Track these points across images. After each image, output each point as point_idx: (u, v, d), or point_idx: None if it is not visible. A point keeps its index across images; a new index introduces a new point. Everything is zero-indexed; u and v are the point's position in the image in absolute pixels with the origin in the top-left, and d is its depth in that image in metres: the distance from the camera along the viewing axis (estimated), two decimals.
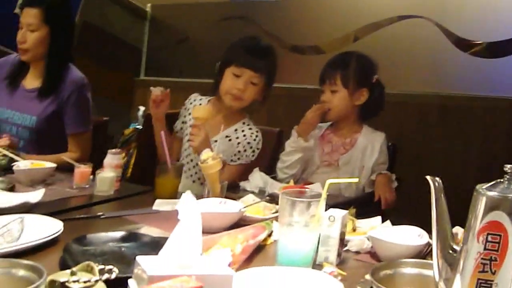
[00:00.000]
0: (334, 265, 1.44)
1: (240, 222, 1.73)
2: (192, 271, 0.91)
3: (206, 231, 1.63)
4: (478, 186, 1.01)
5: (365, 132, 2.62)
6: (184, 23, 4.38)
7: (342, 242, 1.52)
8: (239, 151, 2.53)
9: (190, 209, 1.06)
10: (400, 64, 3.59)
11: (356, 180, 1.50)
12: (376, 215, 1.83)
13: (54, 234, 1.45)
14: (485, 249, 0.99)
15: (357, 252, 1.61)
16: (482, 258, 0.99)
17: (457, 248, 1.05)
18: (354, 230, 1.74)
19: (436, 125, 3.46)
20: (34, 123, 2.64)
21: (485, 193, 1.00)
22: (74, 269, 1.06)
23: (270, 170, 2.78)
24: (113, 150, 2.11)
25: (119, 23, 4.31)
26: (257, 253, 1.54)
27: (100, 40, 4.21)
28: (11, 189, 1.98)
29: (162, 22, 4.51)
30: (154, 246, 1.38)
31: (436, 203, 1.07)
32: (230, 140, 2.54)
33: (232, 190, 2.21)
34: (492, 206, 0.99)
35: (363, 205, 2.42)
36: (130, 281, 1.00)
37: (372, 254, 1.59)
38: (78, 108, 2.67)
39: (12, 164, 2.20)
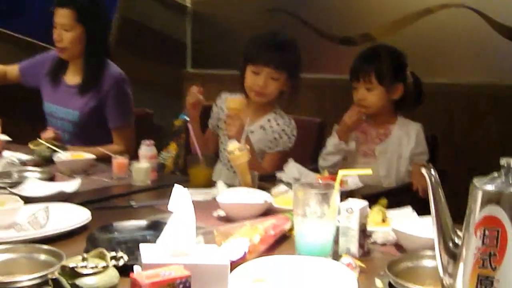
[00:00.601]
0: (356, 257, 1.44)
1: (268, 212, 1.75)
2: (187, 260, 0.94)
3: (231, 221, 1.68)
4: (475, 180, 1.00)
5: (400, 123, 2.58)
6: (227, 15, 4.42)
7: (364, 233, 1.51)
8: (275, 138, 2.57)
9: (181, 200, 1.09)
10: (446, 53, 3.48)
11: (369, 172, 1.49)
12: (416, 206, 1.81)
13: (80, 222, 1.52)
14: (483, 244, 0.97)
15: (384, 244, 1.60)
16: (481, 253, 0.97)
17: (458, 242, 1.04)
18: (383, 221, 1.73)
19: (486, 115, 3.36)
20: (76, 117, 2.74)
21: (481, 187, 0.98)
22: (86, 255, 1.11)
23: (313, 161, 2.79)
24: (147, 142, 2.17)
25: (160, 18, 4.39)
26: (281, 243, 1.56)
27: (142, 35, 4.30)
28: (51, 179, 2.08)
29: (204, 15, 4.56)
30: None
31: (433, 197, 1.05)
32: (264, 129, 2.58)
33: (269, 181, 2.24)
34: (488, 201, 0.96)
35: (401, 195, 2.41)
36: (135, 267, 1.04)
37: (398, 246, 1.58)
38: (118, 103, 2.75)
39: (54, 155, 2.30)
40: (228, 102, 2.41)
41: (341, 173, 1.38)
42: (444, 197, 1.06)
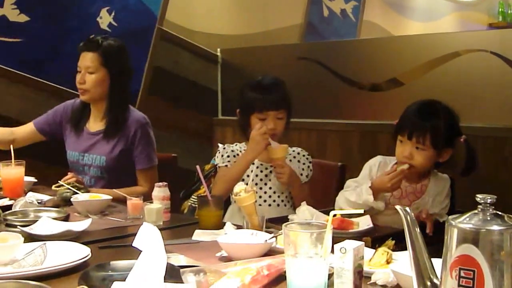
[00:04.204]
0: None
1: (270, 253, 1.73)
2: None
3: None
4: (450, 217, 0.97)
5: (433, 178, 2.50)
6: (255, 64, 4.52)
7: (361, 274, 1.47)
8: (308, 166, 2.70)
9: (150, 239, 1.09)
10: (473, 96, 3.46)
11: (361, 211, 1.47)
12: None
13: (77, 260, 1.54)
14: (459, 285, 0.94)
15: (384, 286, 1.55)
16: None
17: (437, 282, 1.00)
18: (388, 262, 1.68)
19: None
20: (104, 162, 2.80)
21: (456, 224, 0.95)
22: None
23: (332, 203, 2.75)
24: (160, 183, 2.21)
25: (191, 67, 4.53)
26: (278, 284, 1.52)
27: (173, 83, 4.43)
28: (66, 219, 2.11)
29: (232, 64, 4.71)
30: (174, 274, 1.42)
31: (409, 236, 1.03)
32: (294, 157, 2.69)
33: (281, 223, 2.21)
34: (463, 239, 0.94)
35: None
36: None
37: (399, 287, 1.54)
38: (144, 145, 2.82)
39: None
40: (273, 153, 2.51)
41: (332, 213, 1.36)
42: (422, 237, 1.03)
